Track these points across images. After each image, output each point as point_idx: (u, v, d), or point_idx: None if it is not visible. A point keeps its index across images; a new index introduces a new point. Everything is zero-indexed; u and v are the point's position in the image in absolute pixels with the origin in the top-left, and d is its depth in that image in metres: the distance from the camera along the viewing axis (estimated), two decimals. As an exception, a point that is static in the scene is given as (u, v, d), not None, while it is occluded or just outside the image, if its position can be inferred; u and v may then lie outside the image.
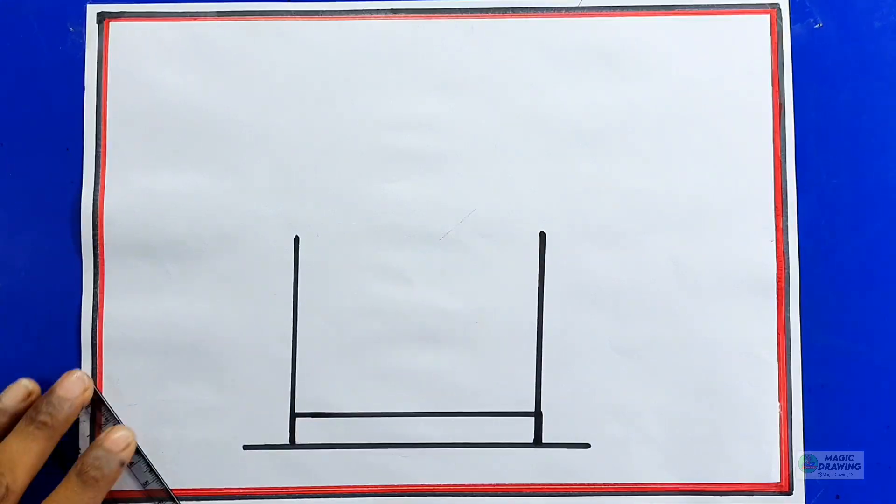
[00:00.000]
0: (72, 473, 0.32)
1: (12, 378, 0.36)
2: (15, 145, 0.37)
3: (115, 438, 0.34)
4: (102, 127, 0.37)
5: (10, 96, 0.37)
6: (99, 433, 0.34)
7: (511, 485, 0.36)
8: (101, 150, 0.37)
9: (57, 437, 0.32)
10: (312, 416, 0.36)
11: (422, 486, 0.36)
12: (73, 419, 0.33)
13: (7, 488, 0.30)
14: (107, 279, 0.36)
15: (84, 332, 0.36)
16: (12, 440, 0.31)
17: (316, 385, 0.36)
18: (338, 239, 0.36)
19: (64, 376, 0.34)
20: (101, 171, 0.37)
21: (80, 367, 0.36)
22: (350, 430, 0.36)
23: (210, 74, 0.37)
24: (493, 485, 0.36)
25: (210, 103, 0.37)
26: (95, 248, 0.36)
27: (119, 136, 0.37)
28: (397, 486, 0.36)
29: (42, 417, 0.31)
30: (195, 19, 0.37)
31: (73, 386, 0.33)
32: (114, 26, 0.37)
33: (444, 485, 0.36)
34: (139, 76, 0.37)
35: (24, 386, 0.33)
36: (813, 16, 0.37)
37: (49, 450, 0.32)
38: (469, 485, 0.36)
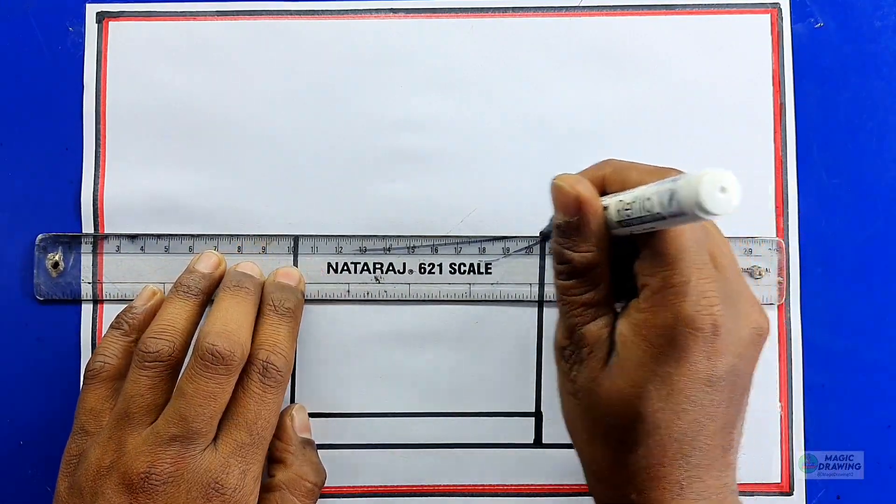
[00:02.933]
0: (266, 310, 0.33)
1: (12, 378, 0.36)
2: (14, 144, 0.37)
3: (286, 273, 0.35)
4: (102, 126, 0.37)
5: (10, 96, 0.37)
6: None
7: (511, 485, 0.36)
8: (101, 149, 0.37)
9: (258, 304, 0.33)
10: (312, 417, 0.36)
11: (422, 486, 0.36)
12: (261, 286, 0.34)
13: (233, 354, 0.30)
14: (106, 279, 0.36)
15: (84, 333, 0.36)
16: (224, 303, 0.32)
17: (316, 385, 0.36)
18: (337, 239, 0.36)
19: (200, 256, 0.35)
20: (100, 170, 0.37)
21: (81, 372, 0.36)
22: (350, 431, 0.36)
23: (210, 74, 0.37)
24: (493, 485, 0.36)
25: (210, 103, 0.37)
26: (95, 247, 0.36)
27: (119, 136, 0.37)
28: (397, 486, 0.36)
29: (244, 284, 0.33)
30: (195, 19, 0.37)
31: (210, 259, 0.35)
32: (113, 26, 0.37)
33: (444, 485, 0.36)
34: (138, 76, 0.37)
35: (214, 255, 0.35)
36: (813, 15, 0.37)
37: (253, 310, 0.33)
38: (469, 485, 0.36)
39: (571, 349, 0.27)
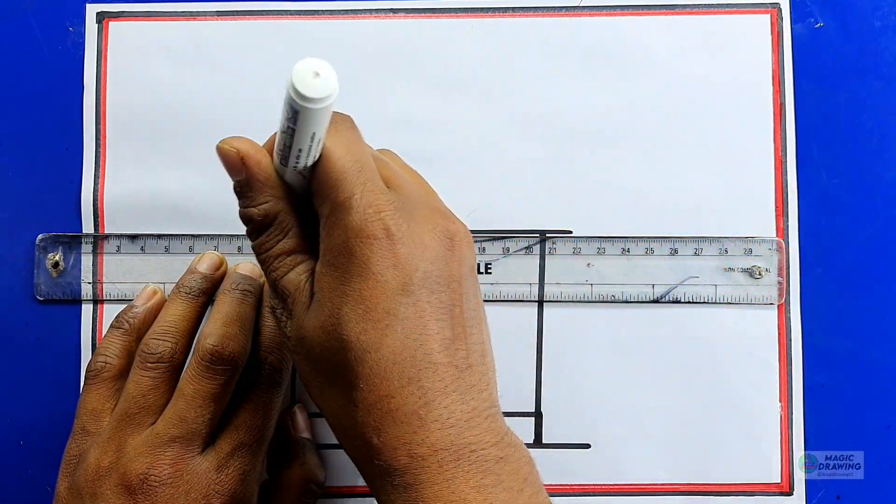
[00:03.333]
0: (266, 313, 0.33)
1: (12, 378, 0.36)
2: (15, 145, 0.37)
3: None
4: (102, 126, 0.37)
5: (10, 96, 0.37)
6: None
7: (511, 485, 0.36)
8: (101, 149, 0.37)
9: (257, 304, 0.33)
10: (312, 417, 0.36)
11: (422, 486, 0.36)
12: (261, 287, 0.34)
13: (233, 356, 0.30)
14: (106, 279, 0.36)
15: (84, 333, 0.36)
16: (222, 307, 0.32)
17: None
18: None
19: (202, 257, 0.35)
20: (100, 170, 0.37)
21: (80, 372, 0.36)
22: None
23: (210, 74, 0.37)
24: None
25: (210, 103, 0.37)
26: (95, 247, 0.36)
27: (119, 136, 0.37)
28: (397, 486, 0.36)
29: (245, 286, 0.33)
30: (195, 19, 0.37)
31: (211, 260, 0.35)
32: (113, 26, 0.37)
33: (444, 485, 0.36)
34: (139, 76, 0.37)
35: (215, 255, 0.35)
36: (813, 15, 0.37)
37: (251, 312, 0.33)
38: (469, 485, 0.36)
39: (280, 305, 0.27)
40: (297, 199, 0.27)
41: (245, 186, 0.27)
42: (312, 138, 0.24)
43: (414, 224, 0.26)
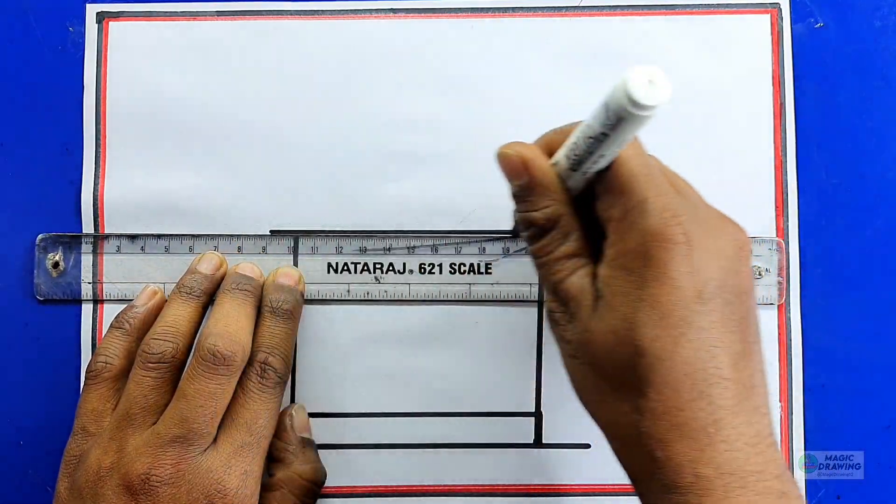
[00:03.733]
0: (265, 311, 0.33)
1: (12, 378, 0.36)
2: (14, 145, 0.37)
3: (286, 273, 0.35)
4: (102, 126, 0.37)
5: (10, 96, 0.37)
6: None
7: (511, 485, 0.36)
8: (101, 149, 0.37)
9: (258, 305, 0.33)
10: (312, 417, 0.36)
11: (422, 486, 0.36)
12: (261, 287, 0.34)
13: (234, 355, 0.30)
14: (106, 279, 0.36)
15: (84, 333, 0.36)
16: (224, 307, 0.32)
17: (316, 385, 0.36)
18: (338, 239, 0.36)
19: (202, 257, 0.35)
20: (100, 170, 0.37)
21: (81, 372, 0.36)
22: (350, 431, 0.36)
23: (210, 74, 0.37)
24: (493, 485, 0.36)
25: (210, 103, 0.37)
26: (95, 247, 0.36)
27: (119, 136, 0.37)
28: (397, 486, 0.36)
29: (245, 286, 0.33)
30: (195, 19, 0.37)
31: (212, 261, 0.35)
32: (113, 26, 0.37)
33: (445, 485, 0.36)
34: (139, 76, 0.37)
35: (216, 256, 0.35)
36: (814, 15, 0.37)
37: (254, 312, 0.33)
38: (469, 485, 0.36)
39: (560, 309, 0.27)
40: (576, 204, 0.27)
41: (527, 190, 0.27)
42: (621, 145, 0.24)
43: (708, 231, 0.25)
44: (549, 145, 0.28)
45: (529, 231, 0.28)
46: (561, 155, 0.26)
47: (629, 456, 0.25)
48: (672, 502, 0.23)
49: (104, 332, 0.36)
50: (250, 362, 0.31)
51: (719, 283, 0.24)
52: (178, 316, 0.32)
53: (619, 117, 0.22)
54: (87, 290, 0.36)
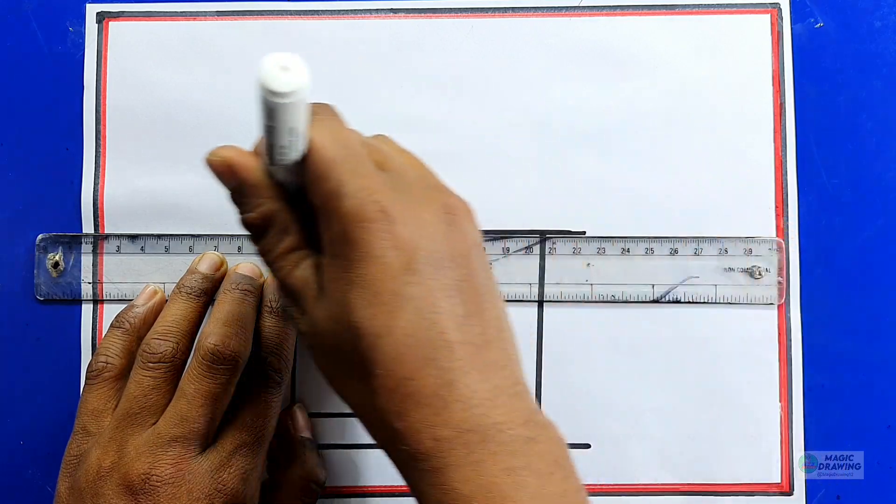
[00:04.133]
0: (265, 313, 0.33)
1: (12, 378, 0.36)
2: (15, 145, 0.37)
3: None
4: (102, 126, 0.37)
5: (10, 96, 0.37)
6: None
7: (511, 485, 0.36)
8: (101, 149, 0.37)
9: (257, 304, 0.33)
10: (312, 417, 0.36)
11: (422, 486, 0.36)
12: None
13: (234, 354, 0.30)
14: (106, 279, 0.36)
15: (84, 333, 0.36)
16: (224, 306, 0.32)
17: (316, 385, 0.36)
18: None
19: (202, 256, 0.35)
20: (100, 170, 0.37)
21: (81, 372, 0.36)
22: (350, 431, 0.36)
23: (210, 74, 0.37)
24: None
25: (210, 103, 0.37)
26: (95, 247, 0.36)
27: (119, 136, 0.37)
28: (397, 486, 0.36)
29: (245, 286, 0.33)
30: (195, 19, 0.37)
31: (211, 260, 0.35)
32: (113, 26, 0.37)
33: (444, 485, 0.36)
34: (139, 76, 0.37)
35: (215, 255, 0.35)
36: (814, 15, 0.37)
37: (252, 312, 0.33)
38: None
39: (291, 304, 0.27)
40: (294, 197, 0.27)
41: (238, 193, 0.27)
42: (291, 133, 0.24)
43: (411, 202, 0.25)
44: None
45: (251, 231, 0.27)
46: (262, 152, 0.26)
47: (376, 434, 0.25)
48: (419, 469, 0.24)
49: (104, 331, 0.36)
50: (250, 362, 0.31)
51: (428, 251, 0.24)
52: (179, 316, 0.32)
53: (267, 106, 0.23)
54: (87, 290, 0.36)
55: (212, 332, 0.31)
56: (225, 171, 0.26)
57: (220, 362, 0.30)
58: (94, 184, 0.37)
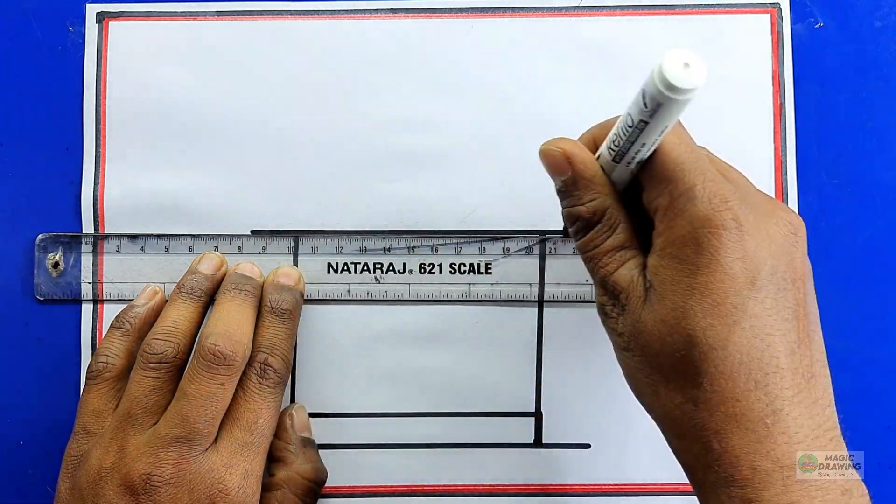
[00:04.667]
0: (265, 312, 0.33)
1: (11, 378, 0.36)
2: (14, 145, 0.37)
3: (286, 273, 0.35)
4: (102, 126, 0.37)
5: (10, 96, 0.37)
6: None
7: (511, 485, 0.36)
8: (101, 149, 0.37)
9: (258, 305, 0.33)
10: (312, 417, 0.36)
11: (422, 486, 0.36)
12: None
13: (234, 354, 0.30)
14: (106, 279, 0.36)
15: (84, 333, 0.36)
16: (225, 307, 0.32)
17: (316, 385, 0.36)
18: (338, 239, 0.36)
19: (203, 256, 0.35)
20: (100, 170, 0.37)
21: (81, 373, 0.36)
22: (350, 431, 0.36)
23: (210, 74, 0.37)
24: (493, 485, 0.36)
25: (210, 103, 0.37)
26: (96, 247, 0.36)
27: (119, 136, 0.37)
28: (397, 486, 0.36)
29: (248, 287, 0.33)
30: (195, 19, 0.37)
31: (212, 260, 0.35)
32: (113, 26, 0.37)
33: (444, 485, 0.36)
34: (139, 76, 0.37)
35: (216, 256, 0.35)
36: (814, 15, 0.37)
37: (254, 313, 0.33)
38: (469, 485, 0.36)
39: (610, 302, 0.27)
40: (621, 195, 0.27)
41: (571, 185, 0.27)
42: (662, 132, 0.24)
43: (759, 216, 0.25)
44: (594, 139, 0.28)
45: (576, 225, 0.27)
46: (603, 148, 0.26)
47: (685, 449, 0.25)
48: (729, 495, 0.23)
49: (104, 331, 0.36)
50: (250, 362, 0.31)
51: (772, 268, 0.24)
52: (179, 316, 0.32)
53: (657, 103, 0.22)
54: (87, 290, 0.36)
55: (212, 332, 0.31)
56: (560, 163, 0.27)
57: (220, 362, 0.30)
58: (94, 183, 0.37)
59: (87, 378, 0.32)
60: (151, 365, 0.31)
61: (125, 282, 0.36)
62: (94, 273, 0.36)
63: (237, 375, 0.31)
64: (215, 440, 0.30)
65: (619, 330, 0.26)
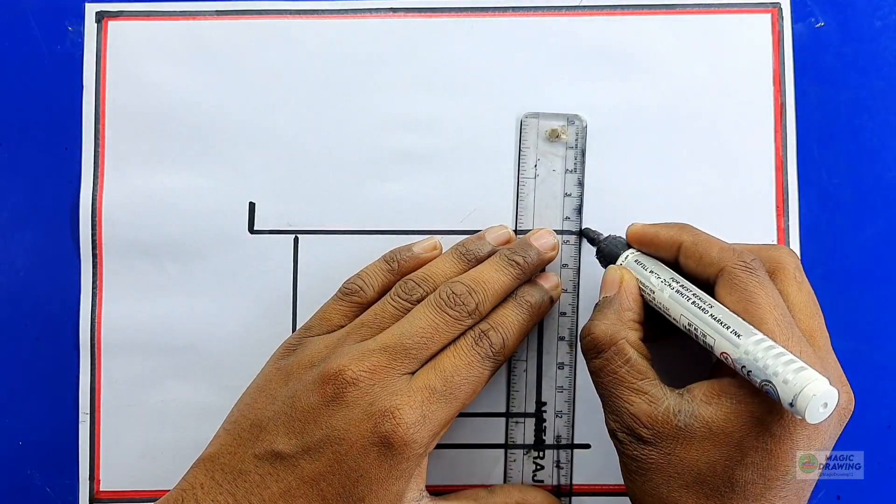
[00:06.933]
0: (511, 298, 0.33)
1: (10, 378, 0.36)
2: (13, 145, 0.37)
3: (546, 276, 0.35)
4: (101, 126, 0.37)
5: (9, 96, 0.37)
6: None
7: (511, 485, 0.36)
8: (100, 149, 0.37)
9: (523, 278, 0.33)
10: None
11: (422, 486, 0.36)
12: (540, 268, 0.34)
13: (477, 307, 0.31)
14: (105, 279, 0.36)
15: (83, 333, 0.36)
16: (486, 267, 0.33)
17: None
18: (338, 239, 0.36)
19: (536, 231, 0.35)
20: (99, 170, 0.37)
21: (78, 369, 0.36)
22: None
23: (209, 74, 0.37)
24: (493, 485, 0.36)
25: (209, 103, 0.37)
26: (94, 248, 0.36)
27: (118, 136, 0.37)
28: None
29: (515, 257, 0.33)
30: (194, 18, 0.37)
31: (545, 238, 0.34)
32: (112, 25, 0.37)
33: (445, 485, 0.36)
34: (138, 75, 0.37)
35: (506, 230, 0.35)
36: (814, 15, 0.37)
37: (512, 287, 0.33)
38: (469, 485, 0.36)
39: (625, 430, 0.29)
40: None
41: (608, 304, 0.32)
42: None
43: None
44: (677, 246, 0.31)
45: (595, 347, 0.30)
46: (674, 307, 0.30)
47: None
48: None
49: (104, 332, 0.36)
50: (473, 328, 0.32)
51: (824, 448, 0.28)
52: (442, 269, 0.33)
53: (783, 406, 0.25)
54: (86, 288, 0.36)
55: (459, 279, 0.32)
56: (613, 282, 0.32)
57: (450, 304, 0.31)
58: (94, 183, 0.37)
59: (339, 290, 0.33)
60: (400, 298, 0.32)
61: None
62: (93, 273, 0.36)
63: (462, 323, 0.31)
64: (414, 375, 0.30)
65: (633, 455, 0.29)
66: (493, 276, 0.32)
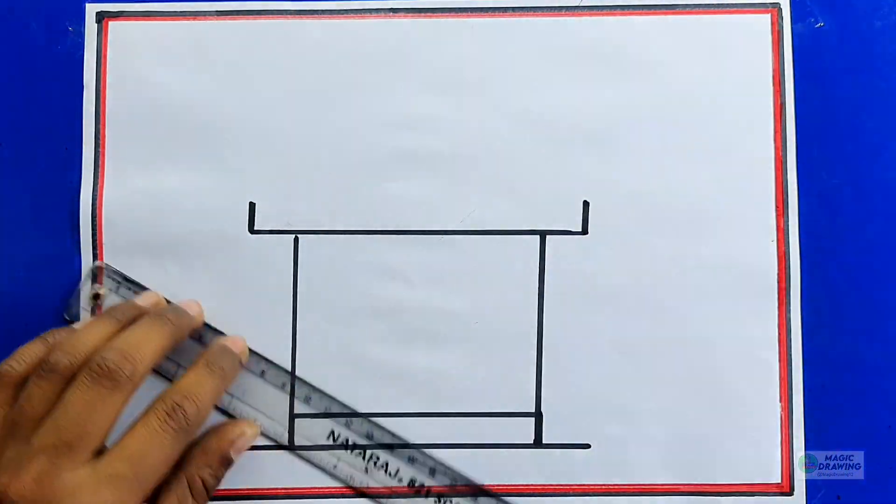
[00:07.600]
0: (199, 361, 0.32)
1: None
2: (13, 145, 0.37)
3: (233, 340, 0.35)
4: (101, 126, 0.37)
5: (9, 96, 0.37)
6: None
7: (511, 485, 0.36)
8: (100, 149, 0.37)
9: (177, 335, 0.33)
10: (313, 417, 0.36)
11: (422, 486, 0.36)
12: (191, 327, 0.34)
13: (133, 369, 0.29)
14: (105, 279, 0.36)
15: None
16: (139, 328, 0.31)
17: (316, 385, 0.36)
18: (338, 239, 0.36)
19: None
20: (100, 170, 0.37)
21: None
22: (350, 430, 0.36)
23: (210, 74, 0.37)
24: (493, 485, 0.36)
25: (210, 103, 0.37)
26: (94, 247, 0.36)
27: (118, 136, 0.37)
28: (397, 486, 0.36)
29: (169, 316, 0.33)
30: (195, 19, 0.37)
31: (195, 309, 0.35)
32: (113, 25, 0.37)
33: (445, 485, 0.36)
34: (138, 76, 0.37)
35: (157, 296, 0.35)
36: (814, 15, 0.37)
37: (169, 347, 0.32)
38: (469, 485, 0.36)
39: None
40: None
41: None
42: None
43: None
44: None
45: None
46: None
47: None
48: None
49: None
50: (162, 399, 0.30)
51: None
52: (91, 333, 0.31)
53: None
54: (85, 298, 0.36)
55: (110, 346, 0.30)
56: None
57: (103, 374, 0.28)
58: (94, 184, 0.37)
59: None
60: (44, 373, 0.29)
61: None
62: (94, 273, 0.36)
63: (123, 392, 0.29)
64: (95, 462, 0.28)
65: None
66: (147, 336, 0.31)
